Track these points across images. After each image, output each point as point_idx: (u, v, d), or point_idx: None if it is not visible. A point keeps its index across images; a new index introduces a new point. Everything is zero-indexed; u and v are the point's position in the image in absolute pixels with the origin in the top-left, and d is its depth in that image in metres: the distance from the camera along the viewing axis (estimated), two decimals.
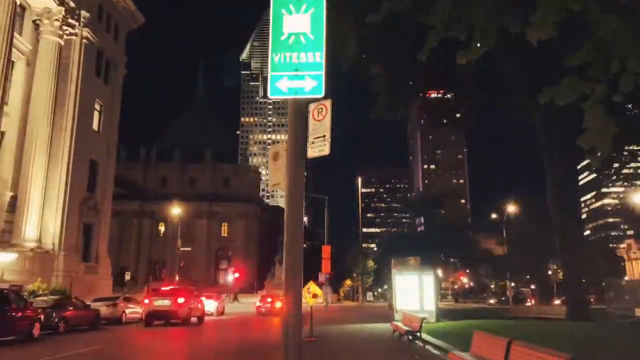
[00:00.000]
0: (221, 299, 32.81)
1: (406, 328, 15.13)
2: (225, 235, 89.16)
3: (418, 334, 14.35)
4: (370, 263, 75.17)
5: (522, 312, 23.22)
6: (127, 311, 23.73)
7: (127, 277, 36.18)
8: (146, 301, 22.52)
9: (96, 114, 35.09)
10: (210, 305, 30.27)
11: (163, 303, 21.59)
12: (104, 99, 35.87)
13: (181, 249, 53.72)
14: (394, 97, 20.81)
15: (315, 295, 16.11)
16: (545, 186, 16.96)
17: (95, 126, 34.87)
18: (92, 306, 22.36)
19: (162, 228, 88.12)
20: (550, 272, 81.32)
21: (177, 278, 53.95)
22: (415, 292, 23.10)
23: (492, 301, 58.38)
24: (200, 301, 25.13)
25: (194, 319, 23.82)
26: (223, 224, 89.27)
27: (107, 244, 36.40)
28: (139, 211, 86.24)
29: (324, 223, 40.16)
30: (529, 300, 59.14)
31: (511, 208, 49.03)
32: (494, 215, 53.43)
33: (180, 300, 21.69)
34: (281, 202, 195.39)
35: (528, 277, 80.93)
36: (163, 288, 23.15)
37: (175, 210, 56.21)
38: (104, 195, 35.97)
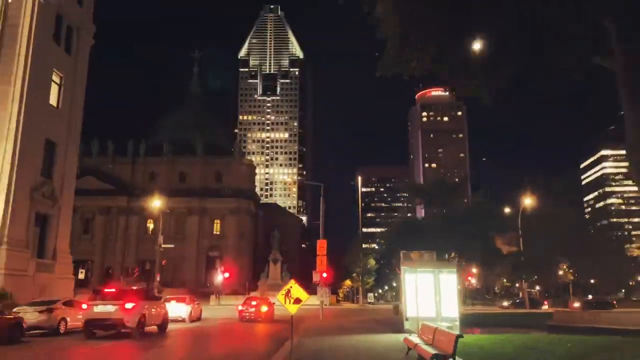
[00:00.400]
0: (195, 302, 27.79)
1: (431, 350, 10.23)
2: (217, 232, 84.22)
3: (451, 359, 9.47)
4: (372, 262, 70.21)
5: (568, 319, 18.38)
6: (68, 319, 18.79)
7: (82, 275, 31.01)
8: (84, 306, 17.57)
9: (54, 87, 30.21)
10: (180, 309, 25.39)
11: (106, 309, 16.63)
12: (65, 71, 30.98)
13: (164, 246, 48.83)
14: (407, 45, 15.48)
15: (298, 301, 11.23)
16: (627, 136, 12.20)
17: (53, 101, 29.99)
18: (19, 312, 17.50)
19: (150, 225, 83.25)
20: (561, 272, 76.37)
21: (158, 278, 48.96)
22: (430, 294, 18.20)
23: (505, 304, 53.39)
24: (162, 305, 20.21)
25: (151, 328, 18.94)
26: (215, 221, 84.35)
27: (68, 238, 31.57)
28: (127, 208, 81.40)
29: (320, 215, 35.18)
30: (545, 303, 54.20)
31: (527, 201, 44.18)
32: (507, 210, 48.59)
33: (129, 305, 16.71)
34: (279, 201, 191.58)
35: (536, 277, 76.08)
36: (107, 290, 18.19)
37: (156, 202, 51.17)
38: (65, 181, 31.05)
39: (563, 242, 52.38)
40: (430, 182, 33.68)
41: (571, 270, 76.63)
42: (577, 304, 50.29)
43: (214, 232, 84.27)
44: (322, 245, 30.16)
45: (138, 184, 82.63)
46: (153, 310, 18.85)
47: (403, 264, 19.05)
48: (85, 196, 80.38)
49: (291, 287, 11.28)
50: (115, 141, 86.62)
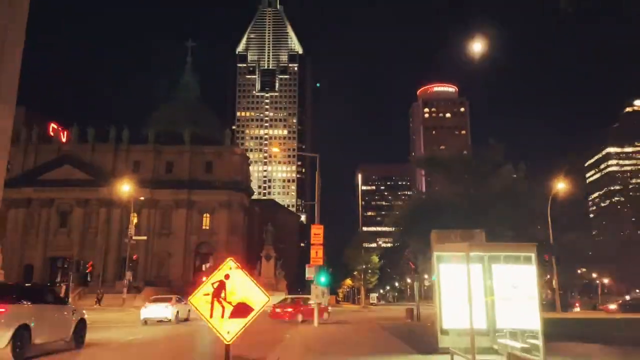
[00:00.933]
0: (184, 302, 27.10)
1: None
2: (207, 227, 77.48)
3: None
4: (375, 259, 63.77)
5: None
6: None
7: None
8: None
9: None
10: (165, 310, 25.29)
11: None
12: None
13: (135, 238, 42.39)
14: None
15: (243, 310, 4.69)
16: None
17: None
18: None
19: (134, 219, 76.30)
20: (584, 270, 70.57)
21: (129, 276, 42.27)
22: (479, 295, 11.63)
23: None
24: (70, 310, 13.53)
25: (58, 344, 12.41)
26: (204, 214, 77.63)
27: None
28: (108, 199, 74.59)
29: (315, 195, 28.51)
30: (576, 305, 47.69)
31: (560, 185, 37.69)
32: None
33: None
34: (278, 199, 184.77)
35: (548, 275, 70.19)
36: None
37: (125, 187, 44.55)
38: None
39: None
40: (454, 155, 26.68)
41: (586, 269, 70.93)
42: (613, 306, 43.97)
43: (203, 227, 77.61)
44: (317, 231, 23.63)
45: (121, 174, 75.89)
46: (54, 318, 12.33)
47: (437, 248, 12.44)
48: (62, 187, 74.12)
49: (228, 274, 4.75)
50: (97, 129, 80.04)
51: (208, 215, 77.36)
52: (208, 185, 76.21)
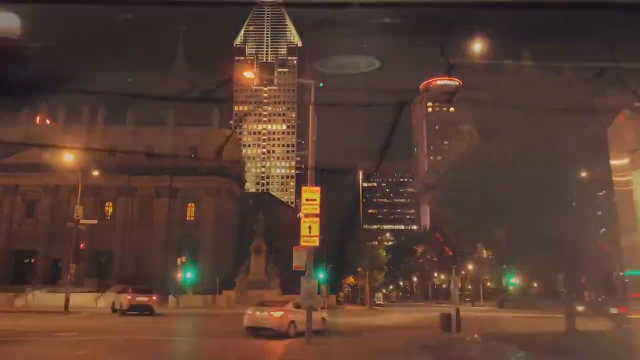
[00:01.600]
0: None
1: None
2: (192, 218, 69.06)
3: None
4: (382, 253, 55.47)
5: None
6: None
7: None
8: None
9: None
10: None
11: None
12: None
13: (84, 222, 34.04)
14: None
15: None
16: None
17: None
18: None
19: (109, 209, 68.25)
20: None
21: (72, 269, 33.72)
22: None
23: (580, 308, 38.20)
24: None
25: None
26: (189, 204, 69.14)
27: None
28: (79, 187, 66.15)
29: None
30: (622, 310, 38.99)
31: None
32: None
33: None
34: (276, 195, 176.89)
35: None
36: None
37: (68, 157, 36.09)
38: None
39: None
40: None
41: None
42: None
43: (188, 218, 69.26)
44: (311, 195, 15.22)
45: (94, 157, 67.54)
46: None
47: None
48: (28, 172, 65.78)
49: None
50: (70, 108, 71.77)
51: (193, 204, 68.88)
52: (193, 171, 67.77)
